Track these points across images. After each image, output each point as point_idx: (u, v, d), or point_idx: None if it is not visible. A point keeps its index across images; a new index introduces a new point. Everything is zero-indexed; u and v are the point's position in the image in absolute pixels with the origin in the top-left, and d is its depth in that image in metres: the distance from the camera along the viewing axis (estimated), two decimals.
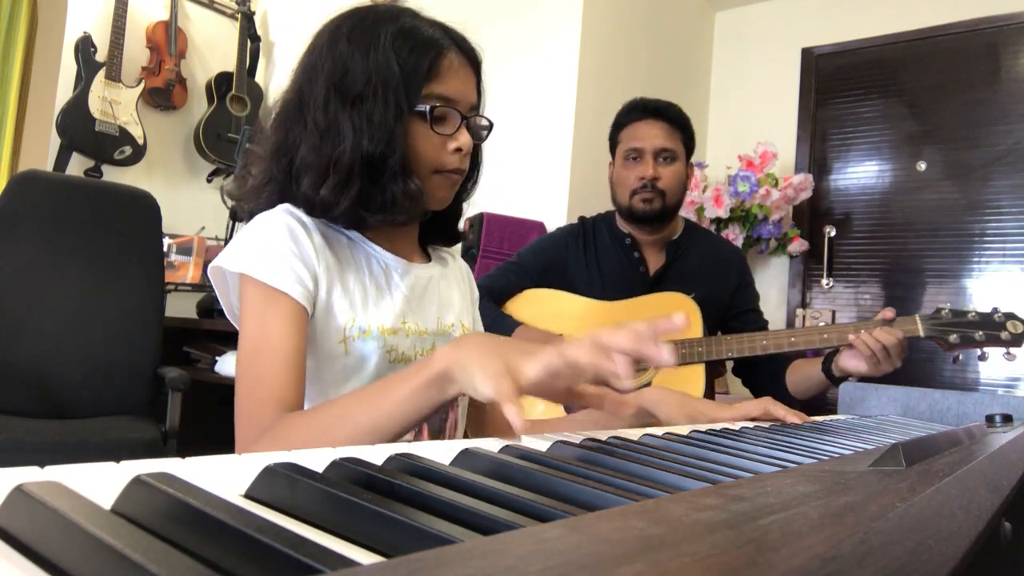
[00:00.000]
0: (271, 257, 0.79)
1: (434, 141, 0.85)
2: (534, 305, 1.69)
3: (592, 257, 1.71)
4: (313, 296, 0.81)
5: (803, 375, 1.54)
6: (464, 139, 0.86)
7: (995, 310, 1.33)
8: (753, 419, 0.91)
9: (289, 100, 0.87)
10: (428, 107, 0.83)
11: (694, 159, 1.79)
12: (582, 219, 1.79)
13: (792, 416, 0.89)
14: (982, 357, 1.33)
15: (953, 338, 1.33)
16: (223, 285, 0.84)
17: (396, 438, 0.65)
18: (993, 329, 1.31)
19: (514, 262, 1.76)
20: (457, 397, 0.67)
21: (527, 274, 1.71)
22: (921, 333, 1.36)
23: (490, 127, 0.92)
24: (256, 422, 0.74)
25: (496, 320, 1.61)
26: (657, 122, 1.66)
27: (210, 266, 0.82)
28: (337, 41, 0.84)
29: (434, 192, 0.87)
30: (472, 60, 0.89)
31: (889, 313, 1.39)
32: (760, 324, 1.69)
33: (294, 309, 0.78)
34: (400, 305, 0.88)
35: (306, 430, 0.68)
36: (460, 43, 0.87)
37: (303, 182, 0.82)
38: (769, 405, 0.90)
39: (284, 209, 0.84)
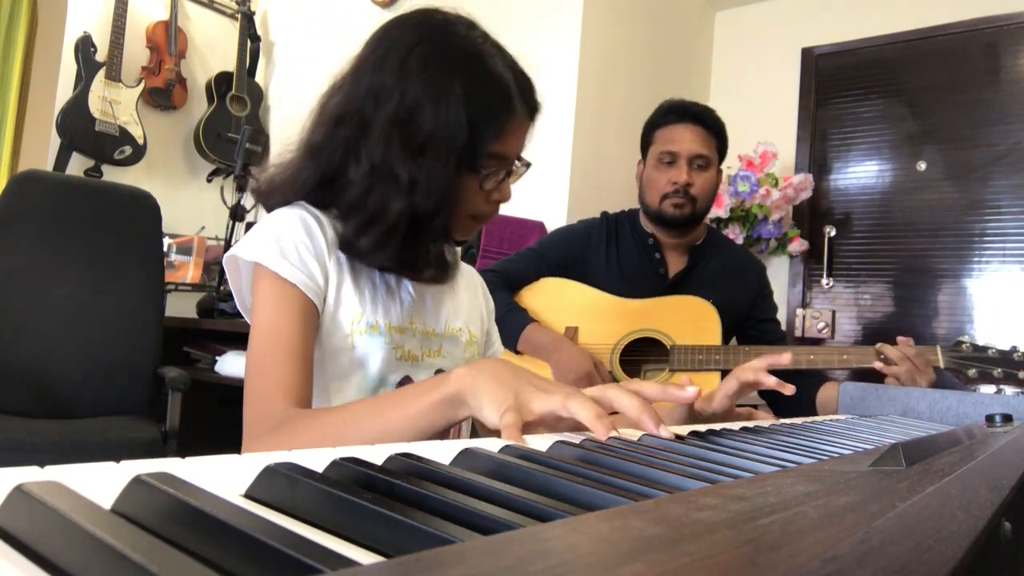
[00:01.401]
0: (286, 249, 0.80)
1: (479, 195, 0.85)
2: (550, 294, 1.68)
3: (613, 255, 1.70)
4: (323, 292, 0.82)
5: (833, 399, 1.52)
6: (506, 193, 0.86)
7: (1014, 348, 1.36)
8: (742, 412, 0.91)
9: (346, 117, 0.82)
10: (486, 172, 0.82)
11: None
12: (605, 215, 1.77)
13: (764, 375, 0.90)
14: (998, 392, 1.35)
15: (972, 372, 1.35)
16: (236, 275, 0.85)
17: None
18: (1012, 368, 1.34)
19: (535, 249, 1.74)
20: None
21: (546, 263, 1.70)
22: (941, 364, 1.38)
23: (528, 166, 0.90)
24: (264, 414, 0.75)
25: (509, 313, 1.60)
26: (695, 127, 1.63)
27: (226, 255, 0.83)
28: (408, 74, 0.80)
29: (464, 232, 0.89)
30: (533, 113, 0.87)
31: (904, 341, 1.40)
32: (778, 335, 1.69)
33: (304, 303, 0.79)
34: (409, 305, 0.89)
35: (314, 431, 0.69)
36: (527, 97, 0.86)
37: (348, 225, 0.82)
38: (739, 372, 0.91)
39: (300, 205, 0.85)
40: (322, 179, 0.84)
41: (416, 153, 0.79)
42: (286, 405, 0.74)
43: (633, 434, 0.57)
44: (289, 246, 0.80)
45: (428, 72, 0.80)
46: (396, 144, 0.79)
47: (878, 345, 1.40)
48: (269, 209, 0.87)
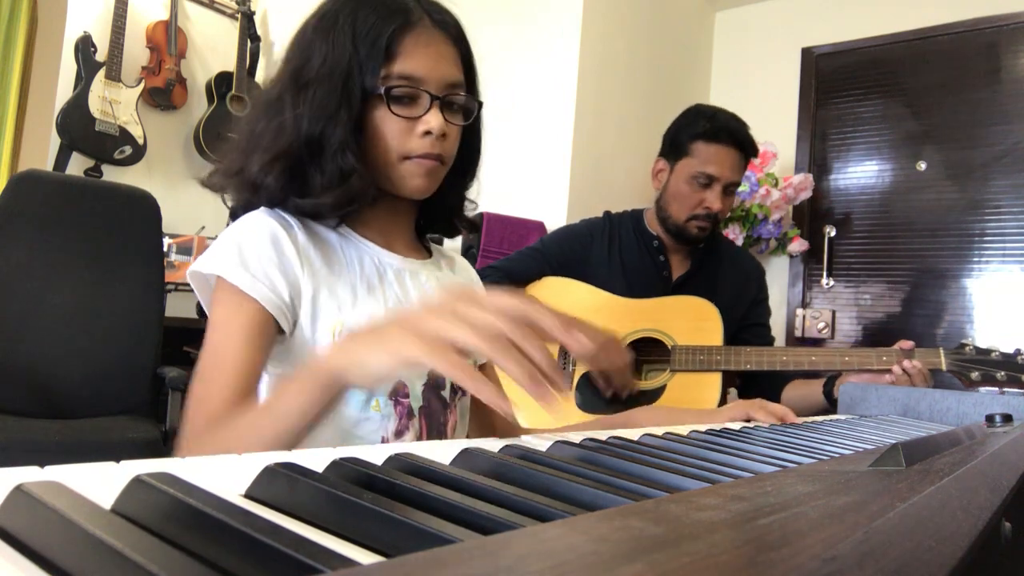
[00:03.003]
0: (248, 262, 0.76)
1: (399, 125, 0.80)
2: (552, 292, 1.68)
3: (616, 255, 1.69)
4: (289, 307, 0.78)
5: (800, 394, 1.53)
6: (434, 121, 0.80)
7: (1018, 351, 1.35)
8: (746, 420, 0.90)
9: (260, 97, 0.86)
10: (384, 88, 0.78)
11: None
12: (608, 215, 1.76)
13: (775, 415, 0.85)
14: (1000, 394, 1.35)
15: (975, 376, 1.35)
16: (205, 289, 0.81)
17: (299, 442, 0.59)
18: (1015, 371, 1.33)
19: (536, 248, 1.73)
20: (376, 394, 0.66)
21: (547, 262, 1.69)
22: (944, 367, 1.37)
23: (476, 106, 0.85)
24: (195, 429, 0.72)
25: None
26: (738, 153, 1.57)
27: (189, 271, 0.79)
28: (305, 31, 0.82)
29: (406, 180, 0.82)
30: (449, 32, 0.82)
31: (907, 344, 1.40)
32: (767, 340, 1.69)
33: (261, 318, 0.75)
34: (393, 304, 0.84)
35: (228, 440, 0.64)
36: (433, 14, 0.81)
37: (251, 162, 0.80)
38: (752, 410, 0.86)
39: (267, 211, 0.81)
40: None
41: (303, 86, 0.79)
42: (223, 408, 0.71)
43: (633, 434, 0.57)
44: (252, 257, 0.76)
45: (321, 20, 0.81)
46: (290, 87, 0.80)
47: (905, 363, 1.37)
48: (236, 216, 0.84)
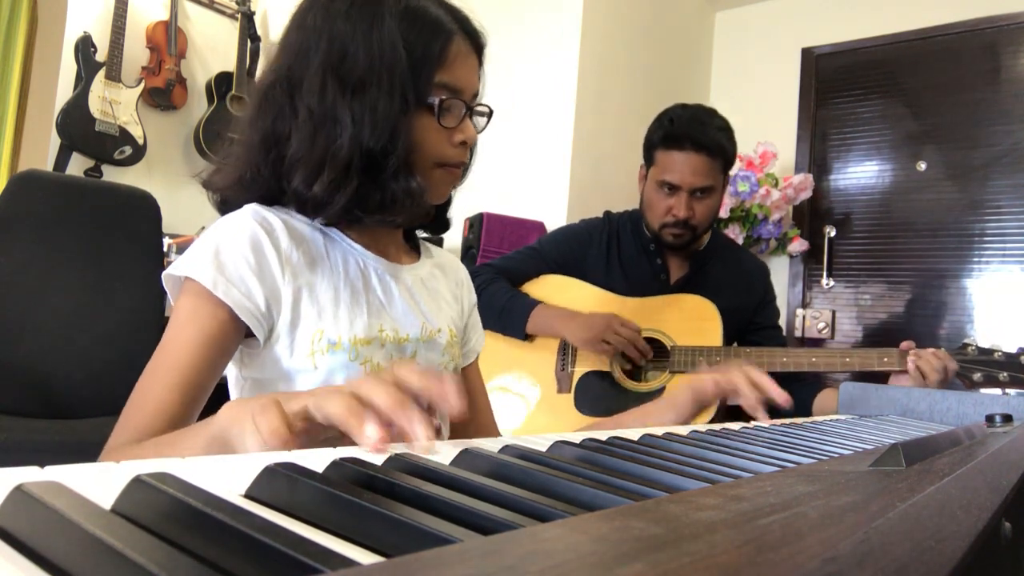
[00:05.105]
0: (224, 266, 0.72)
1: (440, 134, 0.80)
2: (551, 290, 1.67)
3: (615, 256, 1.68)
4: (263, 315, 0.74)
5: (831, 406, 1.51)
6: (470, 132, 0.81)
7: (1021, 350, 1.34)
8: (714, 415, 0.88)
9: (276, 82, 0.79)
10: (438, 100, 0.77)
11: None
12: (608, 215, 1.76)
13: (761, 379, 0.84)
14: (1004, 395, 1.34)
15: (978, 376, 1.33)
16: (177, 293, 0.77)
17: None
18: (1018, 371, 1.32)
19: (534, 248, 1.73)
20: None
21: (545, 262, 1.69)
22: None
23: (490, 115, 0.87)
24: (119, 435, 0.70)
25: (513, 298, 1.59)
26: (696, 155, 1.51)
27: (164, 274, 0.75)
28: (333, 18, 0.77)
29: (436, 187, 0.82)
30: (477, 45, 0.83)
31: (908, 345, 1.39)
32: (778, 341, 1.68)
33: (223, 324, 0.72)
34: (377, 310, 0.81)
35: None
36: (466, 26, 0.82)
37: (294, 178, 0.76)
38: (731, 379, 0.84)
39: (251, 212, 0.77)
40: (266, 152, 0.78)
41: (356, 90, 0.74)
42: (135, 437, 0.69)
43: (633, 434, 0.57)
44: (228, 262, 0.73)
45: (353, 9, 0.76)
46: (332, 86, 0.75)
47: (912, 353, 1.36)
48: (224, 210, 0.81)
